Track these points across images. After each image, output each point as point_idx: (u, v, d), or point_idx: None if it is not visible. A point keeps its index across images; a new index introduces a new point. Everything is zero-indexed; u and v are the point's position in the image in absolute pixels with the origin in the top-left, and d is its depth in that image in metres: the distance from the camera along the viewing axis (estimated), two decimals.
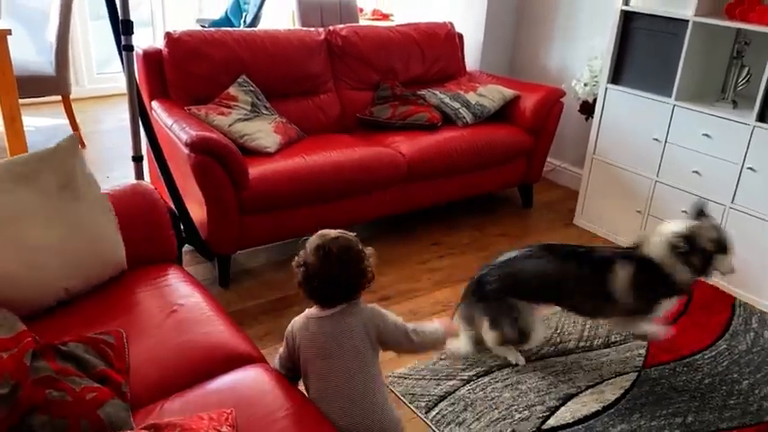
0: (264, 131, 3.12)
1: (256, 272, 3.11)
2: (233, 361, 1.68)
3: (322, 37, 3.63)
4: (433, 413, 2.25)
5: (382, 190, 3.26)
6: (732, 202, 3.03)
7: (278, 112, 3.34)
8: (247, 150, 2.98)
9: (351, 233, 1.78)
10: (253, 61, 3.35)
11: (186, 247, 2.95)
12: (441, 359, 2.52)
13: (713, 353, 2.64)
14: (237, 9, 5.28)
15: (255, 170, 2.84)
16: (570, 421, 2.23)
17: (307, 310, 1.80)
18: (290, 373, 1.79)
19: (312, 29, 3.70)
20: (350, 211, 3.19)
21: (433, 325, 1.90)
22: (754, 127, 2.88)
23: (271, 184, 2.85)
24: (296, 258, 1.76)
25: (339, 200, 3.12)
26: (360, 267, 1.71)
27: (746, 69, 3.06)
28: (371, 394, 1.67)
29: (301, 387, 1.77)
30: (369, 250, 1.76)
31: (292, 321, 1.80)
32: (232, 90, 3.26)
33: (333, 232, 1.75)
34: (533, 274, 2.44)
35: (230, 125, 3.06)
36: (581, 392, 2.37)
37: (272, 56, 3.41)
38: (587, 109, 3.83)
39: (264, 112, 3.27)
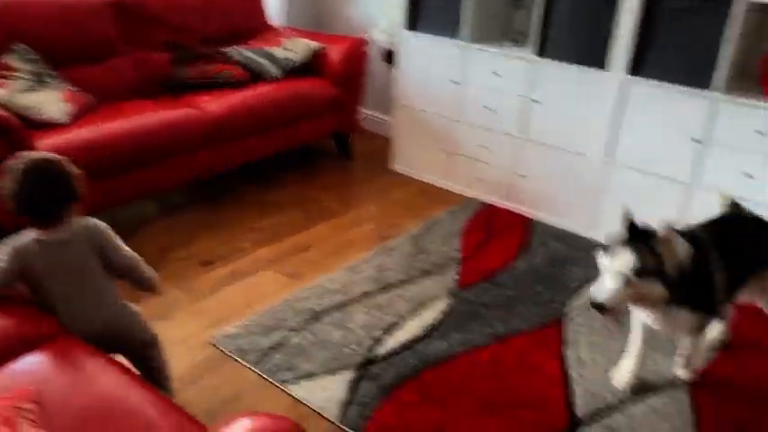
0: (51, 101, 2.86)
1: None
2: (33, 341, 1.56)
3: None
4: (265, 364, 2.27)
5: (192, 153, 3.15)
6: (523, 133, 3.33)
7: (67, 80, 3.07)
8: (37, 124, 2.72)
9: (54, 154, 1.80)
10: (29, 28, 3.03)
11: None
12: (269, 313, 2.53)
13: (515, 268, 2.93)
14: None
15: (43, 144, 2.60)
16: (396, 348, 2.38)
17: (27, 233, 1.75)
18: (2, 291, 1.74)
19: None
20: (161, 178, 3.06)
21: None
22: (534, 61, 3.17)
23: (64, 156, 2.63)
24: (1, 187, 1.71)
25: (147, 167, 2.97)
26: (66, 183, 1.73)
27: (524, 9, 3.34)
28: (104, 303, 1.81)
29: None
30: (76, 170, 1.78)
31: (14, 245, 1.73)
32: (9, 60, 2.94)
33: (33, 153, 1.80)
34: None
35: (10, 97, 2.77)
36: (404, 321, 2.53)
37: (51, 21, 3.12)
38: (390, 57, 3.96)
39: (49, 80, 2.99)
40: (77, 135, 2.75)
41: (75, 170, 1.76)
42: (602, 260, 1.89)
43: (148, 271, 1.91)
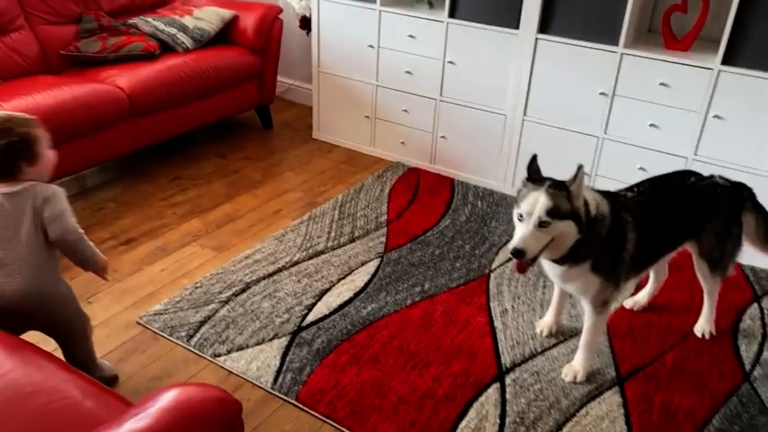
0: None
1: None
2: None
3: None
4: (195, 339, 2.25)
5: (105, 130, 3.03)
6: (441, 95, 3.37)
7: None
8: None
9: (21, 115, 1.82)
10: None
11: None
12: (196, 287, 2.50)
13: (440, 228, 3.00)
14: None
15: None
16: (327, 312, 2.40)
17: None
18: None
19: None
20: (74, 158, 2.92)
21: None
22: (448, 23, 3.21)
23: None
24: None
25: (57, 147, 2.82)
26: (22, 140, 1.73)
27: None
28: (32, 271, 1.74)
29: None
30: (40, 132, 1.79)
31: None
32: None
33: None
34: None
35: None
36: (334, 286, 2.55)
37: None
38: (306, 23, 3.90)
39: None
40: None
41: (37, 132, 1.77)
42: (515, 210, 1.87)
43: (91, 250, 1.87)
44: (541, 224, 1.79)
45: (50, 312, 1.82)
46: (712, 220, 2.17)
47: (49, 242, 1.77)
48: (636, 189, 2.12)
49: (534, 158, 1.92)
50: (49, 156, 1.82)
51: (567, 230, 1.83)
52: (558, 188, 1.81)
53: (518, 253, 1.80)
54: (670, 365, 2.23)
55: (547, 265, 2.04)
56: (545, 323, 2.36)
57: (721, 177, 2.22)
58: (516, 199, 1.88)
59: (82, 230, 1.84)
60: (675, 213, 2.12)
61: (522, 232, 1.81)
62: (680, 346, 2.33)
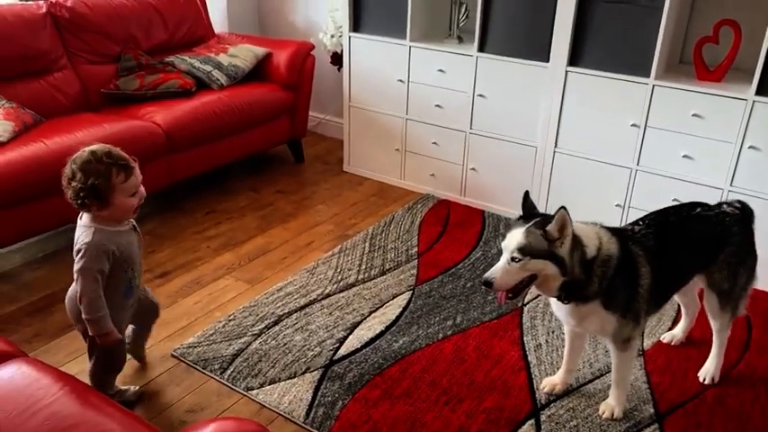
0: None
1: (12, 274, 2.82)
2: None
3: (44, 10, 3.29)
4: (228, 372, 2.26)
5: (143, 164, 3.06)
6: (471, 128, 3.39)
7: (6, 97, 2.99)
8: None
9: (106, 148, 1.87)
10: None
11: None
12: (230, 320, 2.52)
13: (472, 260, 2.99)
14: None
15: None
16: (358, 346, 2.40)
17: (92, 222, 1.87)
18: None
19: (31, 1, 3.34)
20: None
21: None
22: (477, 57, 3.24)
23: (6, 176, 2.58)
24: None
25: None
26: (80, 188, 1.82)
27: (464, 7, 3.40)
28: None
29: None
30: (124, 179, 1.85)
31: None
32: None
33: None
34: None
35: None
36: (365, 319, 2.55)
37: None
38: (338, 59, 3.98)
39: None
40: (19, 153, 2.69)
41: (117, 181, 1.84)
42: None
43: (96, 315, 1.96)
44: (513, 259, 1.81)
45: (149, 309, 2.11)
46: (724, 250, 2.10)
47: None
48: (642, 222, 2.08)
49: (527, 195, 1.94)
50: (124, 204, 1.86)
51: (545, 269, 1.82)
52: (539, 227, 1.81)
53: (486, 283, 1.84)
54: (711, 402, 2.17)
55: (554, 305, 2.02)
56: (551, 381, 2.22)
57: (730, 205, 2.15)
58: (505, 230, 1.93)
59: (94, 296, 1.86)
60: (685, 244, 2.06)
61: (496, 265, 1.85)
62: (721, 381, 2.26)
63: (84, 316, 1.87)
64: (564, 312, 1.99)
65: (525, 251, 1.79)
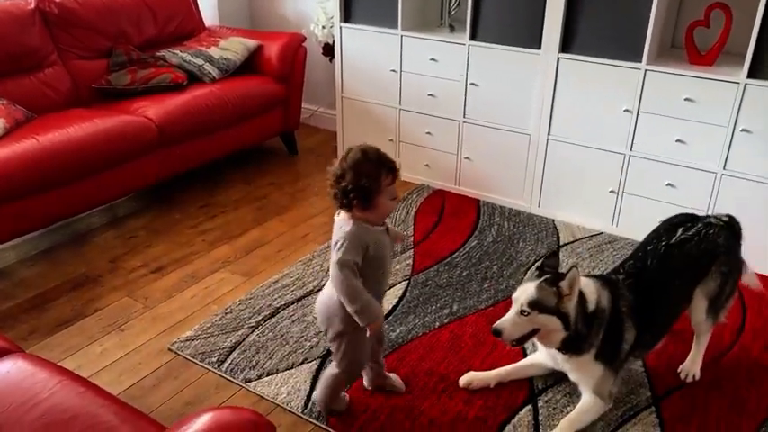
0: None
1: (7, 272, 2.81)
2: None
3: (32, 6, 3.27)
4: (226, 364, 2.27)
5: (136, 159, 3.10)
6: (464, 117, 3.39)
7: None
8: None
9: (375, 148, 1.83)
10: None
11: None
12: (226, 313, 2.53)
13: (467, 249, 2.99)
14: None
15: None
16: None
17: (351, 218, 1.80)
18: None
19: None
20: (105, 188, 3.01)
21: None
22: (469, 46, 3.23)
23: None
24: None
25: (89, 177, 2.91)
26: (347, 188, 1.76)
27: None
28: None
29: None
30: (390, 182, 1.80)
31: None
32: None
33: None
34: None
35: None
36: None
37: None
38: (329, 50, 3.97)
39: None
40: (11, 150, 2.67)
41: (385, 183, 1.79)
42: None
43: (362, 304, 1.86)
44: (522, 312, 1.88)
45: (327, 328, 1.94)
46: (716, 261, 2.12)
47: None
48: (623, 269, 2.10)
49: (554, 254, 2.03)
50: (385, 206, 1.82)
51: (550, 325, 1.89)
52: (551, 283, 1.88)
53: (495, 333, 1.91)
54: (707, 385, 2.18)
55: (544, 350, 2.11)
56: (470, 376, 2.18)
57: (716, 217, 2.18)
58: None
59: (355, 284, 1.79)
60: (668, 284, 2.08)
61: (506, 315, 1.92)
62: (716, 364, 2.27)
63: (350, 309, 1.80)
64: (555, 360, 2.07)
65: (535, 305, 1.87)
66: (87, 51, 3.46)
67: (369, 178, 1.75)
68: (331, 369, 2.00)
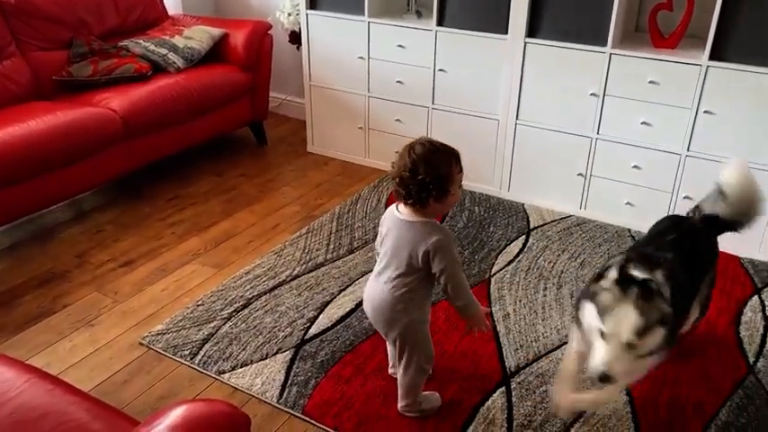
0: None
1: None
2: None
3: None
4: (199, 357, 2.25)
5: (100, 152, 3.04)
6: (433, 103, 3.39)
7: None
8: None
9: (432, 139, 1.79)
10: None
11: None
12: (198, 306, 2.50)
13: None
14: None
15: None
16: (329, 325, 2.40)
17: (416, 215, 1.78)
18: None
19: None
20: (69, 182, 2.94)
21: None
22: (437, 32, 3.23)
23: None
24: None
25: (52, 171, 2.84)
26: (425, 180, 1.72)
27: None
28: (388, 292, 1.88)
29: None
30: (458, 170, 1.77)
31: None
32: None
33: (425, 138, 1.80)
34: None
35: None
36: (335, 298, 2.55)
37: None
38: (296, 38, 3.93)
39: None
40: None
41: (455, 170, 1.75)
42: (591, 319, 1.63)
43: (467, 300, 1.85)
44: (630, 346, 1.56)
45: (390, 330, 1.89)
46: (715, 261, 2.12)
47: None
48: (658, 247, 1.94)
49: (626, 266, 1.63)
50: (455, 195, 1.79)
51: (657, 338, 1.59)
52: (647, 297, 1.55)
53: (605, 378, 1.58)
54: (675, 360, 2.24)
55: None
56: (564, 398, 1.86)
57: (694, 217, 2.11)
58: (595, 302, 1.64)
59: (459, 282, 1.80)
60: (690, 264, 1.92)
61: (605, 356, 1.57)
62: (684, 340, 2.33)
63: (457, 304, 1.83)
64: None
65: (644, 332, 1.55)
66: (47, 42, 3.37)
67: (444, 167, 1.74)
68: (401, 376, 1.96)
